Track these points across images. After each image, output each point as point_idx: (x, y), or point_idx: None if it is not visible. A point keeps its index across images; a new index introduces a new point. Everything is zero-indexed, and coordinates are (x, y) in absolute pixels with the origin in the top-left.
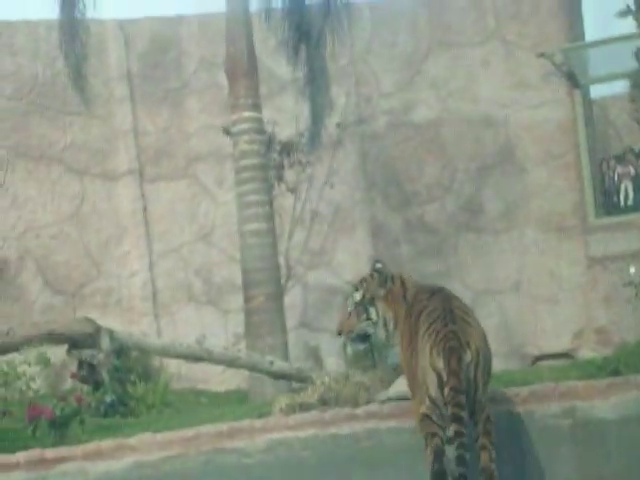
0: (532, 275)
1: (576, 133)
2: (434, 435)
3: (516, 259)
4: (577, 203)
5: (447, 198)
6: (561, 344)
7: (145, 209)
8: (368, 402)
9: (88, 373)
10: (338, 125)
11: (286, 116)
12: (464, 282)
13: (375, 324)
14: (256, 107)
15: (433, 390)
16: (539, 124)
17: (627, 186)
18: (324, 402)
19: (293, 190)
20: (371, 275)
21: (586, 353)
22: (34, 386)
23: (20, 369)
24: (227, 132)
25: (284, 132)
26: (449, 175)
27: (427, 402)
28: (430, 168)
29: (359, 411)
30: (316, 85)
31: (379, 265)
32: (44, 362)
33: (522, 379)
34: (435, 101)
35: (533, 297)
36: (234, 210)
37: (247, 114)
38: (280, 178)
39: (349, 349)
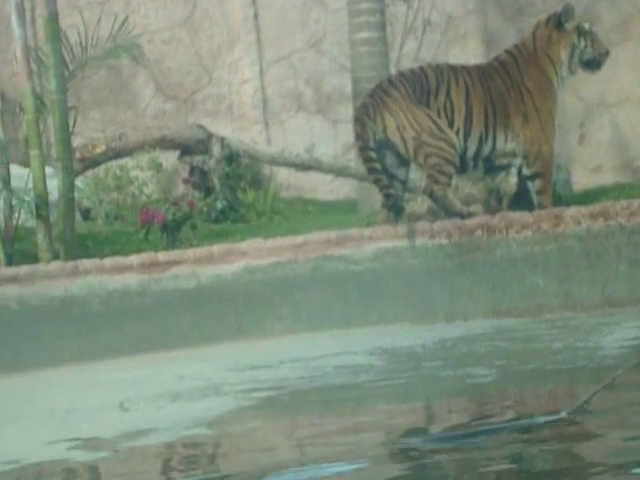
0: None
1: None
2: None
3: (631, 72)
4: None
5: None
6: None
7: (256, 16)
8: (476, 213)
9: (199, 179)
10: None
11: None
12: (577, 94)
13: None
14: None
15: None
16: None
17: None
18: (433, 212)
19: None
20: None
21: None
22: (146, 191)
23: (132, 174)
24: None
25: None
26: None
27: None
28: None
29: (467, 221)
30: None
31: None
32: (156, 167)
33: (633, 192)
34: None
35: None
36: (345, 18)
37: None
38: None
39: None
